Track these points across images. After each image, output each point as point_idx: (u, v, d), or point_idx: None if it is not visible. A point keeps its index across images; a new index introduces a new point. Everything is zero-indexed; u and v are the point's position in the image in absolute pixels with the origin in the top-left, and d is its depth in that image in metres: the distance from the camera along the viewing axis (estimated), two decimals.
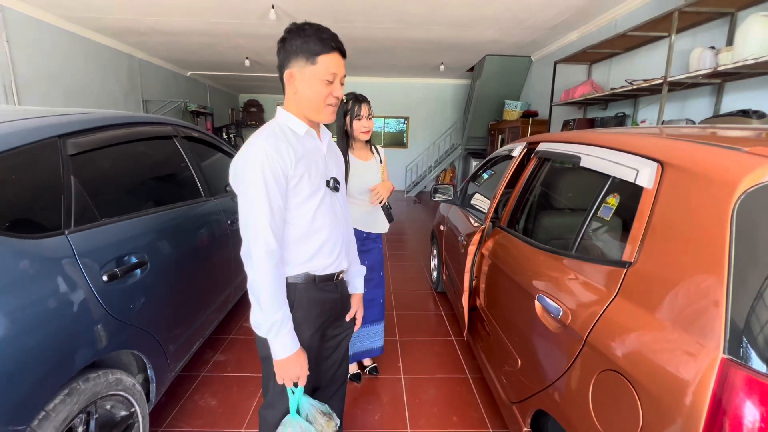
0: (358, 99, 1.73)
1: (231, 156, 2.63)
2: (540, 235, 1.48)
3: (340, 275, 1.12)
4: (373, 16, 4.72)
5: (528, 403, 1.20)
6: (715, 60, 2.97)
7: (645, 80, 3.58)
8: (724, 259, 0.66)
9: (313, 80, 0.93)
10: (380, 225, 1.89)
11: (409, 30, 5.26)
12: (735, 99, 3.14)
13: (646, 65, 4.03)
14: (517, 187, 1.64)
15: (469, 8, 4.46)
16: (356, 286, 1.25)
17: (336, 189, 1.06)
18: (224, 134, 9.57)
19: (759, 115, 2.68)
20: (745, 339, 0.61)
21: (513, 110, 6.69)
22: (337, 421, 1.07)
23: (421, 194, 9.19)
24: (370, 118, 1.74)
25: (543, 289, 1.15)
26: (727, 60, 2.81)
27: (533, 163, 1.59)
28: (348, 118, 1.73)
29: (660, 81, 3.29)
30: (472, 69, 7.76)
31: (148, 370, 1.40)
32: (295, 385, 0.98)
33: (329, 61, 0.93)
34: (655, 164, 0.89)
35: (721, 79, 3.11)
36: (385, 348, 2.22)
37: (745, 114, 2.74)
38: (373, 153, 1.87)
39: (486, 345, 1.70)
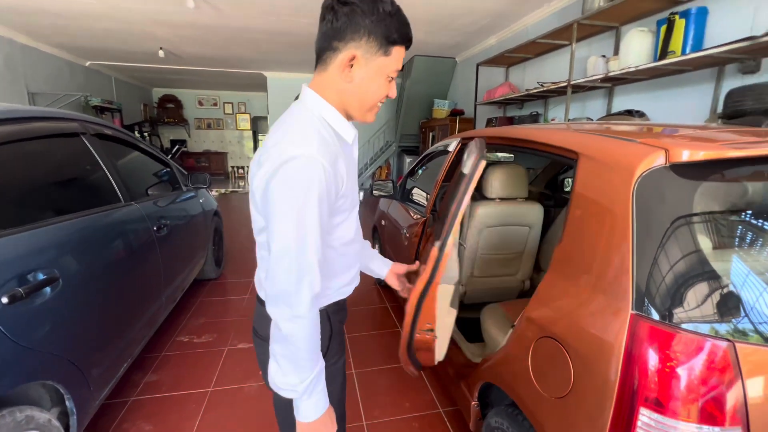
0: None
1: (152, 156, 2.39)
2: None
3: None
4: (302, 10, 4.60)
5: (475, 377, 1.30)
6: (606, 67, 3.46)
7: (553, 83, 4.03)
8: (629, 232, 0.79)
9: (379, 74, 0.74)
10: None
11: None
12: (622, 101, 3.68)
13: (553, 69, 4.54)
14: (453, 180, 1.75)
15: None
16: (383, 264, 1.11)
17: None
18: (137, 132, 8.59)
19: (640, 114, 3.17)
20: (646, 297, 0.74)
21: (442, 109, 7.05)
22: None
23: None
24: None
25: None
26: (615, 67, 3.29)
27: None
28: None
29: (565, 84, 3.73)
30: (401, 69, 7.97)
31: (67, 402, 1.23)
32: None
33: (400, 54, 0.75)
34: (571, 155, 1.02)
35: (611, 84, 3.62)
36: None
37: (629, 113, 3.23)
38: None
39: None
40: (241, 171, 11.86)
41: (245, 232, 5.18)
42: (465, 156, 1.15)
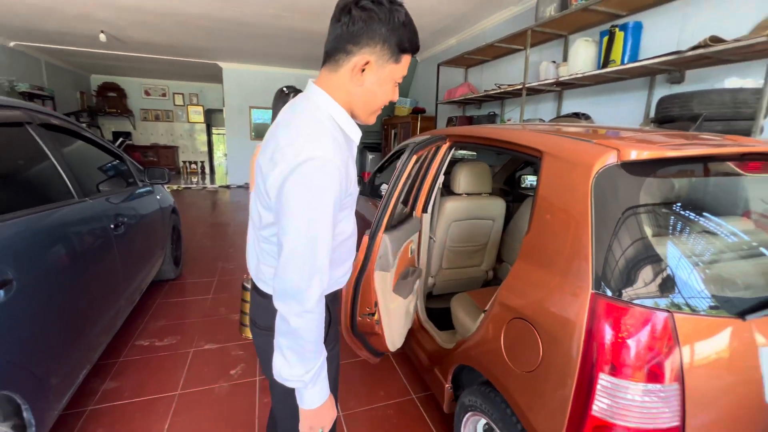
0: (300, 93, 1.69)
1: (104, 149, 2.23)
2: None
3: None
4: (271, 3, 4.46)
5: (449, 361, 1.38)
6: (556, 72, 3.73)
7: (509, 85, 4.27)
8: (588, 222, 0.89)
9: (388, 80, 0.77)
10: None
11: (305, 21, 5.14)
12: (570, 104, 3.99)
13: (508, 72, 4.80)
14: (423, 175, 1.82)
15: None
16: None
17: None
18: None
19: (585, 116, 3.46)
20: (603, 278, 0.85)
21: (403, 107, 7.16)
22: None
23: None
24: None
25: None
26: (564, 73, 3.56)
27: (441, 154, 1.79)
28: None
29: (520, 86, 3.96)
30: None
31: (24, 413, 1.14)
32: None
33: (408, 61, 0.77)
34: (536, 153, 1.13)
35: (560, 88, 3.91)
36: None
37: (576, 116, 3.51)
38: None
39: None
40: (194, 166, 11.22)
41: (203, 230, 4.95)
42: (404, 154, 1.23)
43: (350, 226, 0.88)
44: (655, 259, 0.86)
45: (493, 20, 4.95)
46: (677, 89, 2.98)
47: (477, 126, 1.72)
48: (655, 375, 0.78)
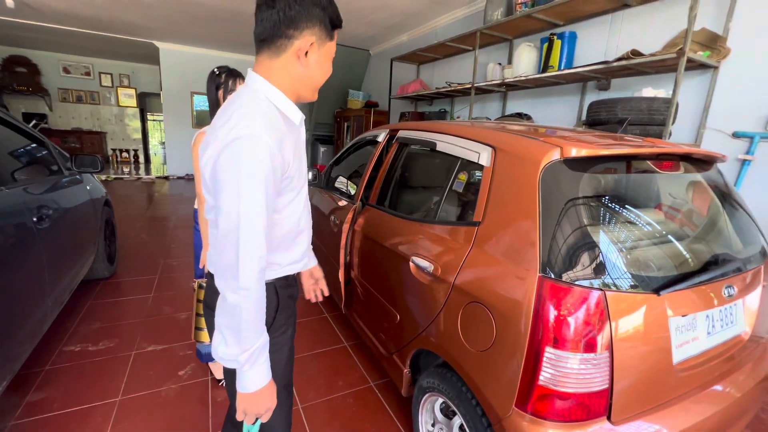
0: (232, 73, 1.61)
1: (22, 132, 1.97)
2: (407, 208, 1.74)
3: None
4: None
5: (408, 347, 1.44)
6: (502, 74, 3.96)
7: (459, 84, 4.45)
8: (536, 212, 0.99)
9: (327, 57, 0.81)
10: None
11: (250, 3, 4.87)
12: (513, 104, 4.26)
13: (458, 71, 4.99)
14: (383, 168, 1.86)
15: None
16: (310, 260, 1.13)
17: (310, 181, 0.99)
18: None
19: (527, 117, 3.73)
20: (548, 262, 0.95)
21: (356, 100, 7.13)
22: None
23: None
24: None
25: (415, 251, 1.40)
26: (509, 75, 3.79)
27: (395, 148, 1.83)
28: (221, 92, 1.59)
29: (469, 86, 4.15)
30: None
31: None
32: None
33: (336, 36, 0.82)
34: (490, 149, 1.21)
35: (505, 89, 4.15)
36: None
37: (519, 116, 3.77)
38: None
39: (363, 311, 1.89)
40: (125, 155, 10.21)
41: (140, 225, 4.55)
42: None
43: (298, 210, 0.89)
44: (591, 245, 0.98)
45: (444, 19, 5.11)
46: (605, 95, 3.33)
47: (433, 121, 1.79)
48: (591, 345, 0.89)
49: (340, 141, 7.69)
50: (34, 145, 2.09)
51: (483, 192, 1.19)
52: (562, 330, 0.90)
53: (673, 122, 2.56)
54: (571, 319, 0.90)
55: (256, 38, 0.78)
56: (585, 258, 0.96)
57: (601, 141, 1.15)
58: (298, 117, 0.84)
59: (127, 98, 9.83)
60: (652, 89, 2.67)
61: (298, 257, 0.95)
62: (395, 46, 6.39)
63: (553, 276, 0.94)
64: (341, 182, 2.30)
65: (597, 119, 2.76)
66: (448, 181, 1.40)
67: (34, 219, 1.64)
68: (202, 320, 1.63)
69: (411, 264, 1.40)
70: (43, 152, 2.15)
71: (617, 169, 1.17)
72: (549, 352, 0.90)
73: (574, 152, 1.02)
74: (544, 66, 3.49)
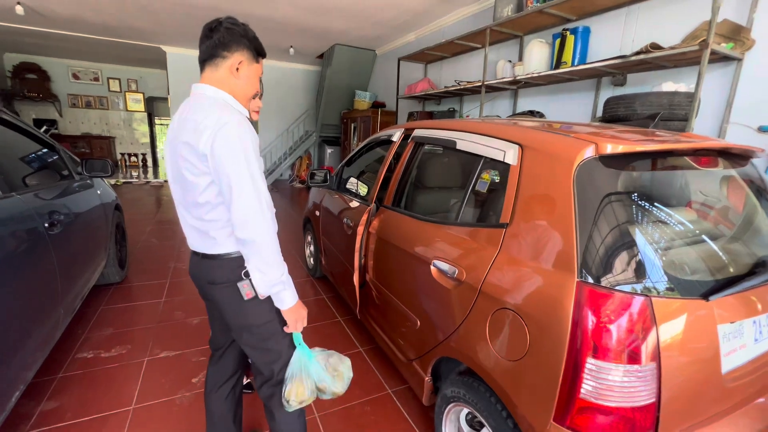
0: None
1: (33, 137, 1.95)
2: (425, 210, 1.69)
3: None
4: None
5: (430, 355, 1.39)
6: (512, 71, 3.88)
7: (469, 82, 4.38)
8: (571, 213, 0.93)
9: (255, 76, 1.07)
10: None
11: (257, 6, 4.86)
12: (524, 102, 4.18)
13: (466, 69, 4.92)
14: (398, 168, 1.81)
15: None
16: None
17: None
18: None
19: (540, 114, 3.64)
20: (588, 266, 0.89)
21: (363, 100, 7.09)
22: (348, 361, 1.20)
23: (277, 182, 8.81)
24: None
25: (437, 255, 1.34)
26: (520, 72, 3.71)
27: (411, 147, 1.77)
28: None
29: (479, 84, 4.08)
30: (321, 56, 7.79)
31: None
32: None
33: (261, 64, 1.10)
34: (517, 146, 1.15)
35: (516, 86, 4.08)
36: None
37: (531, 113, 3.69)
38: None
39: (380, 316, 1.84)
40: (134, 159, 10.28)
41: (149, 228, 4.55)
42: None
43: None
44: (631, 247, 0.92)
45: (452, 18, 5.04)
46: (620, 91, 3.24)
47: (452, 119, 1.73)
48: (636, 355, 0.83)
49: (347, 142, 7.65)
50: (45, 150, 2.07)
51: (510, 192, 1.13)
52: (604, 339, 0.84)
53: (696, 116, 2.48)
54: (613, 328, 0.84)
55: (200, 60, 1.03)
56: (626, 261, 0.90)
57: (635, 137, 1.08)
58: (246, 112, 1.07)
59: (135, 103, 9.90)
60: (672, 83, 2.58)
61: None
62: (402, 45, 6.34)
63: (592, 281, 0.87)
64: (354, 183, 2.25)
65: (615, 115, 2.68)
66: (470, 181, 1.34)
67: (46, 225, 1.61)
68: None
69: (432, 267, 1.35)
70: (54, 157, 2.13)
71: (653, 166, 1.10)
72: (590, 363, 0.84)
73: (610, 148, 0.96)
74: (557, 62, 3.41)
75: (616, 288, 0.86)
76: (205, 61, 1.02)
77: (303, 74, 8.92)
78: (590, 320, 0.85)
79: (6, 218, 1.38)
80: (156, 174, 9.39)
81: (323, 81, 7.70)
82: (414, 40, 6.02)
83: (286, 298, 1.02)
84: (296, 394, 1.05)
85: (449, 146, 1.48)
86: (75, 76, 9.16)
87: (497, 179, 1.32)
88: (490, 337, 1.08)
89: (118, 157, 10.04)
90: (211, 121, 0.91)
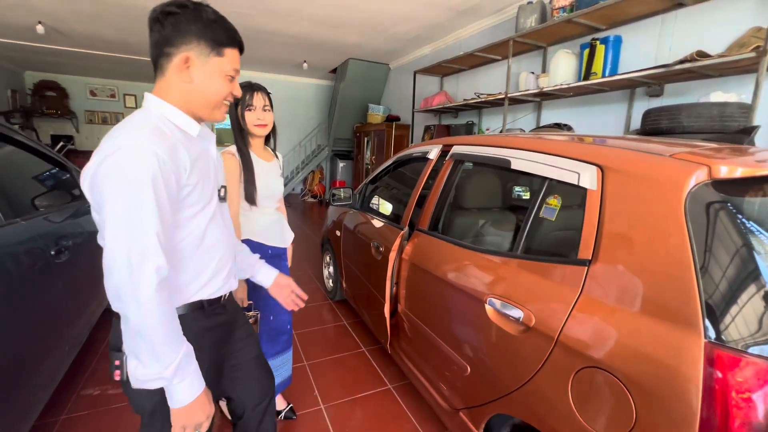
0: (251, 87, 1.43)
1: (43, 156, 1.84)
2: (469, 237, 1.51)
3: (228, 294, 0.99)
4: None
5: (484, 409, 1.19)
6: (536, 83, 3.73)
7: (490, 94, 4.24)
8: (688, 254, 0.74)
9: (216, 74, 0.80)
10: (287, 236, 1.62)
11: (271, 21, 4.84)
12: (548, 114, 4.02)
13: (485, 82, 4.79)
14: (435, 189, 1.64)
15: (337, 8, 4.40)
16: (268, 273, 1.16)
17: (224, 199, 0.95)
18: None
19: (567, 127, 3.47)
20: (719, 323, 0.70)
21: (377, 114, 7.00)
22: None
23: (290, 197, 8.72)
24: (266, 110, 1.45)
25: (493, 292, 1.15)
26: (545, 84, 3.56)
27: (450, 165, 1.61)
28: (239, 109, 1.41)
29: (502, 96, 3.94)
30: (334, 71, 7.77)
31: None
32: None
33: (234, 55, 0.82)
34: (595, 167, 0.98)
35: (540, 98, 3.92)
36: (295, 375, 1.94)
37: (558, 126, 3.51)
38: (274, 155, 1.59)
39: (416, 353, 1.65)
40: None
41: None
42: None
43: (201, 229, 0.84)
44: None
45: (469, 30, 4.95)
46: (656, 102, 3.05)
47: (501, 135, 1.55)
48: None
49: (360, 156, 7.55)
50: (55, 169, 1.96)
51: (589, 222, 0.95)
52: (749, 416, 0.64)
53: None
54: (759, 402, 0.64)
55: (152, 64, 0.81)
56: (763, 315, 0.71)
57: (743, 156, 0.90)
58: (195, 129, 0.83)
59: None
60: (722, 93, 2.39)
61: (209, 280, 0.88)
62: (416, 59, 6.26)
63: (725, 342, 0.68)
64: (382, 204, 2.09)
65: (657, 128, 2.49)
66: (532, 207, 1.16)
67: (52, 252, 1.47)
68: None
69: (487, 306, 1.16)
70: (65, 176, 2.02)
71: (765, 192, 0.91)
72: None
73: (725, 171, 0.78)
74: (586, 73, 3.25)
75: (750, 350, 0.66)
76: (153, 64, 0.81)
77: (315, 89, 8.93)
78: (731, 393, 0.65)
79: (7, 246, 1.24)
80: None
81: (336, 95, 7.66)
82: (429, 53, 5.94)
83: (177, 394, 0.75)
84: None
85: (501, 165, 1.31)
86: (92, 93, 9.30)
87: (561, 203, 1.14)
88: (574, 400, 0.88)
89: None
90: (106, 146, 0.70)
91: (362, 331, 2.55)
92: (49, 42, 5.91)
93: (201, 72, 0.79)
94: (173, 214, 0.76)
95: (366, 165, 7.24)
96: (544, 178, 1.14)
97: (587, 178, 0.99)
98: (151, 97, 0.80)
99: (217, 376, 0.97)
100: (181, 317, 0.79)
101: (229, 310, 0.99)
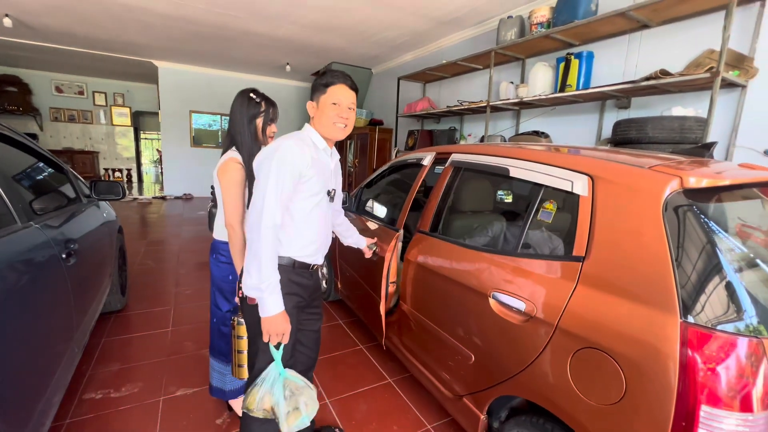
0: (270, 102, 1.54)
1: (42, 158, 1.82)
2: (471, 238, 1.64)
3: (315, 267, 1.32)
4: (218, 0, 4.12)
5: (489, 392, 1.32)
6: (516, 92, 3.96)
7: (472, 102, 4.45)
8: (665, 250, 0.90)
9: (324, 104, 1.19)
10: None
11: (258, 24, 4.84)
12: (526, 123, 4.26)
13: (466, 89, 5.01)
14: (435, 193, 1.76)
15: (324, 13, 4.47)
16: (360, 240, 1.70)
17: (332, 199, 1.32)
18: None
19: (545, 135, 3.71)
20: (691, 306, 0.85)
21: (360, 117, 7.09)
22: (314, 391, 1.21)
23: None
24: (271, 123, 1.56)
25: (496, 287, 1.29)
26: (524, 93, 3.79)
27: (449, 172, 1.74)
28: (260, 121, 1.49)
29: (483, 104, 4.15)
30: (316, 73, 7.81)
31: None
32: (277, 346, 1.15)
33: (336, 89, 1.19)
34: (586, 177, 1.13)
35: (519, 107, 4.16)
36: None
37: (536, 134, 3.75)
38: None
39: (418, 347, 1.76)
40: (118, 174, 9.91)
41: (144, 249, 4.34)
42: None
43: (307, 208, 1.20)
44: (733, 284, 0.89)
45: (451, 39, 5.15)
46: (624, 114, 3.34)
47: (499, 145, 1.69)
48: (751, 402, 0.79)
49: (343, 158, 7.61)
50: (55, 171, 1.94)
51: (582, 224, 1.10)
52: (718, 385, 0.80)
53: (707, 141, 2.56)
54: (726, 372, 0.80)
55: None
56: (728, 299, 0.87)
57: (706, 168, 1.08)
58: (322, 144, 1.25)
59: (121, 117, 9.61)
60: (681, 108, 2.67)
61: (298, 244, 1.22)
62: (399, 64, 6.42)
63: (696, 321, 0.84)
64: (377, 207, 2.20)
65: (626, 137, 2.74)
66: (530, 211, 1.31)
67: (63, 256, 1.48)
68: (244, 357, 1.48)
69: (491, 300, 1.30)
70: (61, 178, 2.00)
71: (726, 198, 1.09)
72: (705, 410, 0.80)
73: (694, 182, 0.95)
74: (562, 85, 3.50)
75: (725, 330, 0.82)
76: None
77: (297, 91, 8.91)
78: (700, 364, 0.81)
79: (21, 252, 1.25)
80: (141, 190, 9.07)
81: None
82: (411, 60, 6.11)
83: (267, 305, 1.09)
84: (249, 401, 1.11)
85: (499, 173, 1.45)
86: (58, 90, 8.84)
87: (557, 206, 1.29)
88: (574, 378, 1.03)
89: (102, 172, 9.67)
90: (269, 148, 1.18)
91: (359, 330, 2.64)
92: (17, 36, 5.62)
93: (317, 107, 1.22)
94: (292, 191, 1.14)
95: (349, 168, 7.31)
96: (538, 185, 1.29)
97: (579, 185, 1.14)
98: (306, 125, 1.24)
99: (296, 322, 1.25)
100: (279, 264, 1.16)
101: (314, 279, 1.36)
